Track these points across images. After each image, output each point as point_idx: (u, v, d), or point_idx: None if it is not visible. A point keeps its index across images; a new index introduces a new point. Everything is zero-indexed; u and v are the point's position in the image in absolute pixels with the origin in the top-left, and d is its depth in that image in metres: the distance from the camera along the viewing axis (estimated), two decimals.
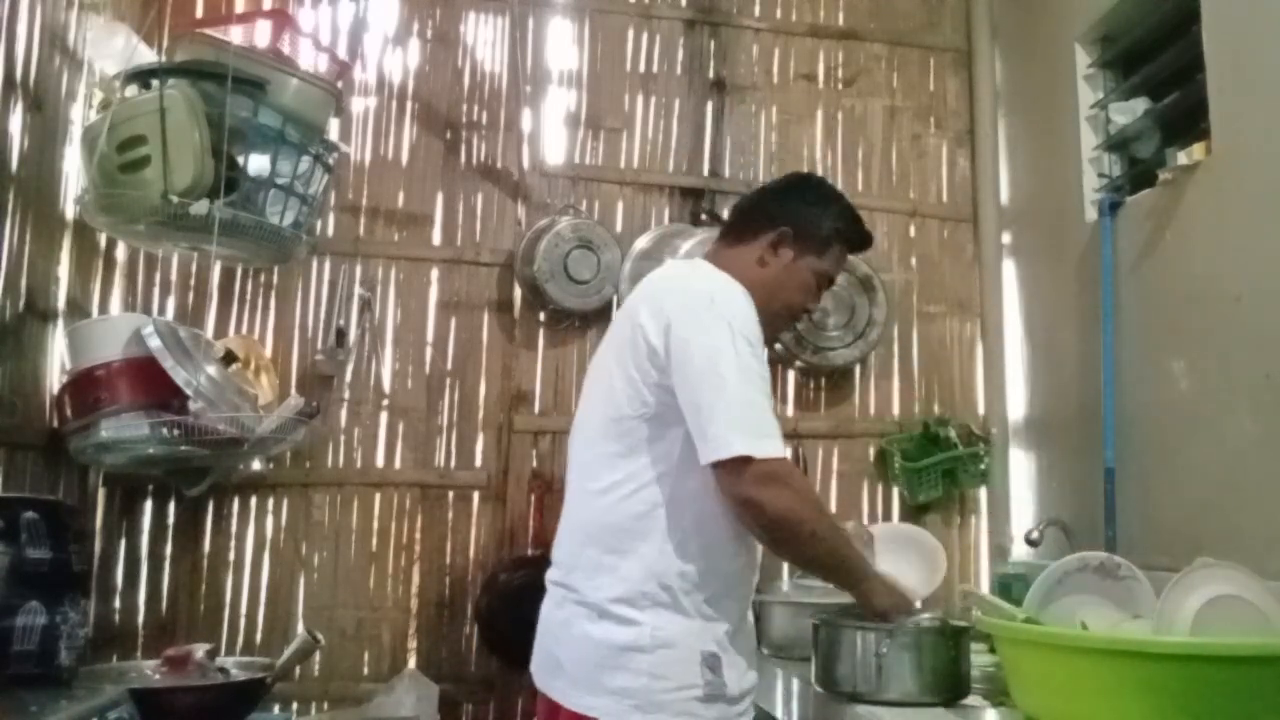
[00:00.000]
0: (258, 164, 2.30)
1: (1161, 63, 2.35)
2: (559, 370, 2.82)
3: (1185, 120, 2.26)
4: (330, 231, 2.75)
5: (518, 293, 2.82)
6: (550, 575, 1.63)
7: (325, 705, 2.57)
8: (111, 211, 2.17)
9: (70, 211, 2.29)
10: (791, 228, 1.65)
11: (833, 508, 2.88)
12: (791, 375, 2.97)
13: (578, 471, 1.63)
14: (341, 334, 2.67)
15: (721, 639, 1.51)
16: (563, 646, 1.53)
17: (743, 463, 1.40)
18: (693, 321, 1.48)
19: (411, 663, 2.64)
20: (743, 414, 1.42)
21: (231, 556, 2.58)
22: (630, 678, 1.44)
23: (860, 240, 1.75)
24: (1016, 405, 2.93)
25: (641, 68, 3.01)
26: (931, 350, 3.05)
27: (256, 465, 2.61)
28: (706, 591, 1.51)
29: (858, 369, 2.98)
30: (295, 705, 2.51)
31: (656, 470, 1.50)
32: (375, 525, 2.67)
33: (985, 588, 2.78)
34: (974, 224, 3.09)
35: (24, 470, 2.08)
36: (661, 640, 1.46)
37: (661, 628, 1.46)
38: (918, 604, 1.75)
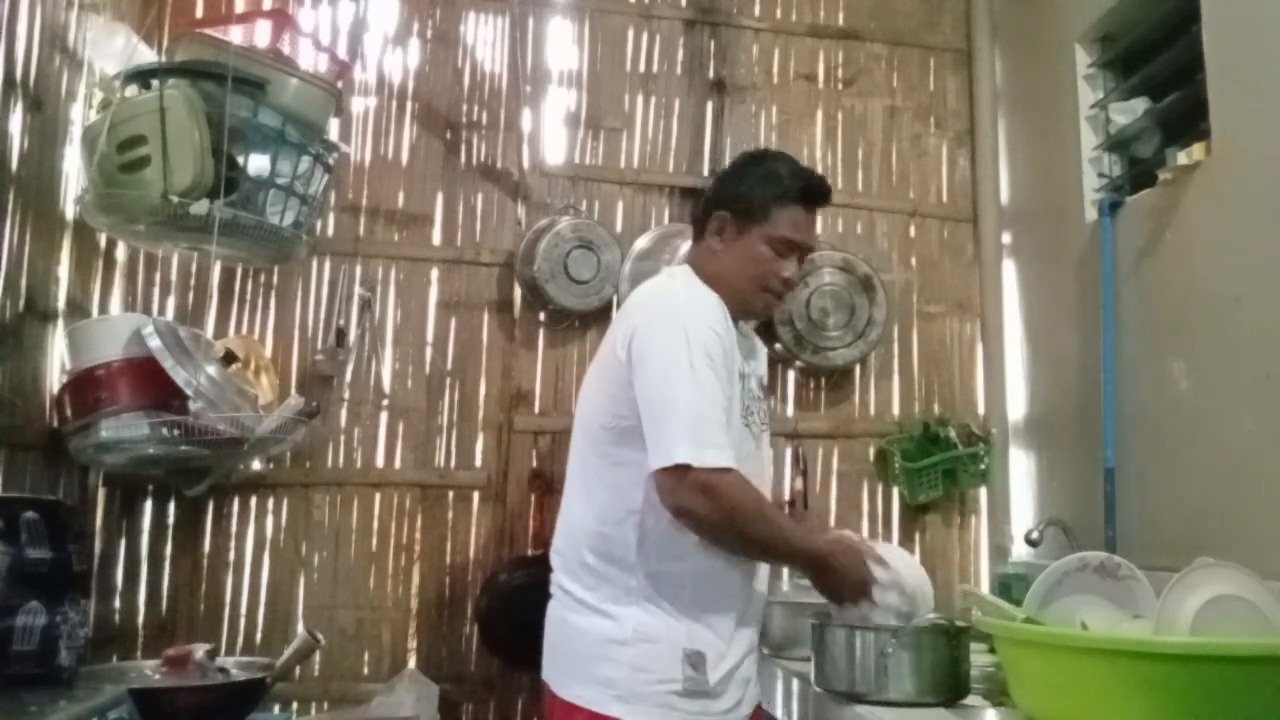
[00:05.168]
0: (258, 164, 2.30)
1: (1161, 63, 2.35)
2: (559, 370, 2.82)
3: (1185, 120, 2.26)
4: (330, 231, 2.75)
5: (518, 293, 2.82)
6: (551, 578, 1.70)
7: (325, 705, 2.57)
8: (111, 211, 2.17)
9: (70, 211, 2.29)
10: (727, 209, 1.67)
11: (832, 508, 2.88)
12: (791, 375, 2.97)
13: (569, 478, 1.70)
14: (341, 334, 2.67)
15: (708, 638, 1.54)
16: (558, 639, 1.62)
17: (683, 471, 1.44)
18: (652, 334, 1.53)
19: (411, 663, 2.64)
20: (690, 424, 1.45)
21: (231, 556, 2.58)
22: (613, 669, 1.51)
23: (804, 191, 1.67)
24: (1016, 405, 2.93)
25: (641, 68, 3.01)
26: (931, 350, 3.05)
27: (256, 465, 2.61)
28: (695, 591, 1.55)
29: (858, 369, 2.98)
30: (295, 705, 2.51)
31: (638, 476, 1.53)
32: (375, 525, 2.67)
33: (985, 588, 2.78)
34: (974, 224, 3.09)
35: (24, 470, 2.07)
36: (643, 635, 1.52)
37: (644, 623, 1.52)
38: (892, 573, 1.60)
